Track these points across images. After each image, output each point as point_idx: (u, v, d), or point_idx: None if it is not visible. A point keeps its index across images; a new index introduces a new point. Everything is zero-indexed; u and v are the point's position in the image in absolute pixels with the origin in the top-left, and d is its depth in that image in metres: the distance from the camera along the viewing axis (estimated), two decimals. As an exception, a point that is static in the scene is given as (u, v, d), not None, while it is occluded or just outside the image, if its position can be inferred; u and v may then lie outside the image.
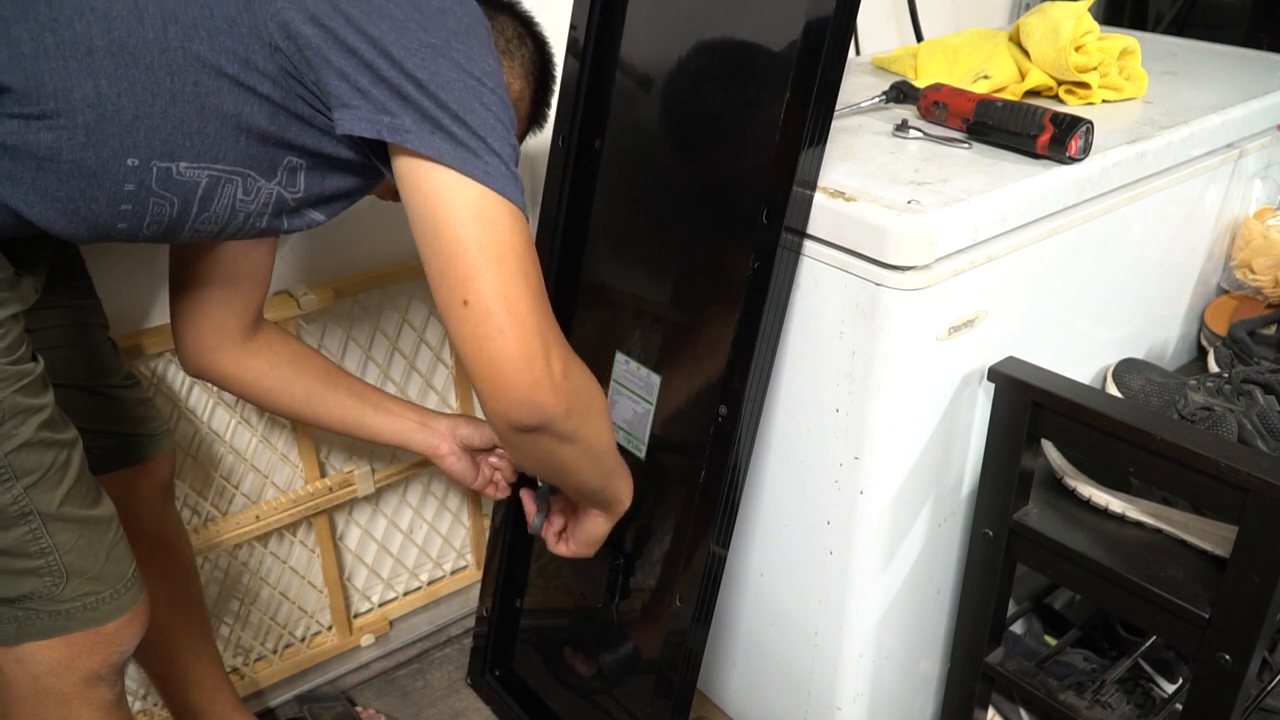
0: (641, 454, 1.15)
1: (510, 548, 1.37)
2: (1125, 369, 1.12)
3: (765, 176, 0.96)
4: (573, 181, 1.20)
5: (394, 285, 1.40)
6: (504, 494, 1.27)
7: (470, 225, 0.77)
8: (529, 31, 1.03)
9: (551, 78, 1.07)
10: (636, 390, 1.15)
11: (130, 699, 1.39)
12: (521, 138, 1.08)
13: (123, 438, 1.07)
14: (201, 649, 1.24)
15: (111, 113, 0.73)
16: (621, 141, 1.16)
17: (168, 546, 1.17)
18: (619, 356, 1.17)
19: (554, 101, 1.11)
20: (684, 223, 1.09)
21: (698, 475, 1.06)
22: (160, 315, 1.24)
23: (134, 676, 1.38)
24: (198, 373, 1.09)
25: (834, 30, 0.90)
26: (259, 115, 0.79)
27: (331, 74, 0.76)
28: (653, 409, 1.14)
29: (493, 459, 1.25)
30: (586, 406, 0.87)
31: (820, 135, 0.94)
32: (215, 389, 1.31)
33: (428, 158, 0.76)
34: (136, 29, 0.72)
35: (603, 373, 1.19)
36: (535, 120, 1.08)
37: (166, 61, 0.74)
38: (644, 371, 1.14)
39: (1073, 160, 1.02)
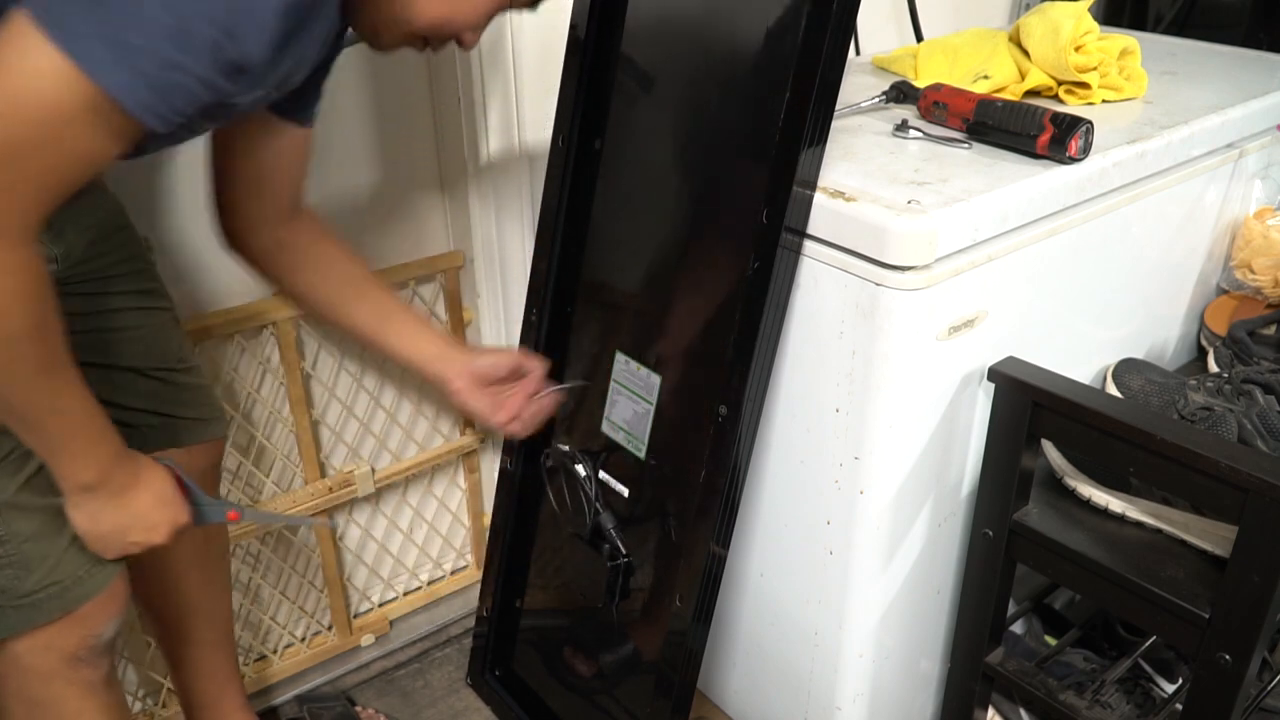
0: (641, 454, 1.15)
1: (510, 548, 1.37)
2: (1125, 369, 1.12)
3: (765, 176, 0.96)
4: (573, 182, 1.20)
5: (395, 280, 1.40)
6: (526, 431, 1.19)
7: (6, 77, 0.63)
8: None
9: None
10: (637, 390, 1.15)
11: (130, 700, 1.39)
12: (505, 6, 0.87)
13: (165, 418, 1.07)
14: (221, 640, 1.24)
15: None
16: (621, 142, 1.16)
17: (205, 532, 1.16)
18: (619, 357, 1.17)
19: None
20: (684, 223, 1.09)
21: (698, 475, 1.06)
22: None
23: (133, 680, 1.38)
24: (235, 250, 1.05)
25: (834, 30, 0.90)
26: None
27: None
28: (653, 409, 1.13)
29: (516, 393, 1.17)
30: None
31: (820, 135, 0.94)
32: (215, 389, 1.31)
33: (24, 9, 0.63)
34: None
35: (603, 372, 1.20)
36: None
37: None
38: (644, 372, 1.14)
39: (1073, 160, 1.02)
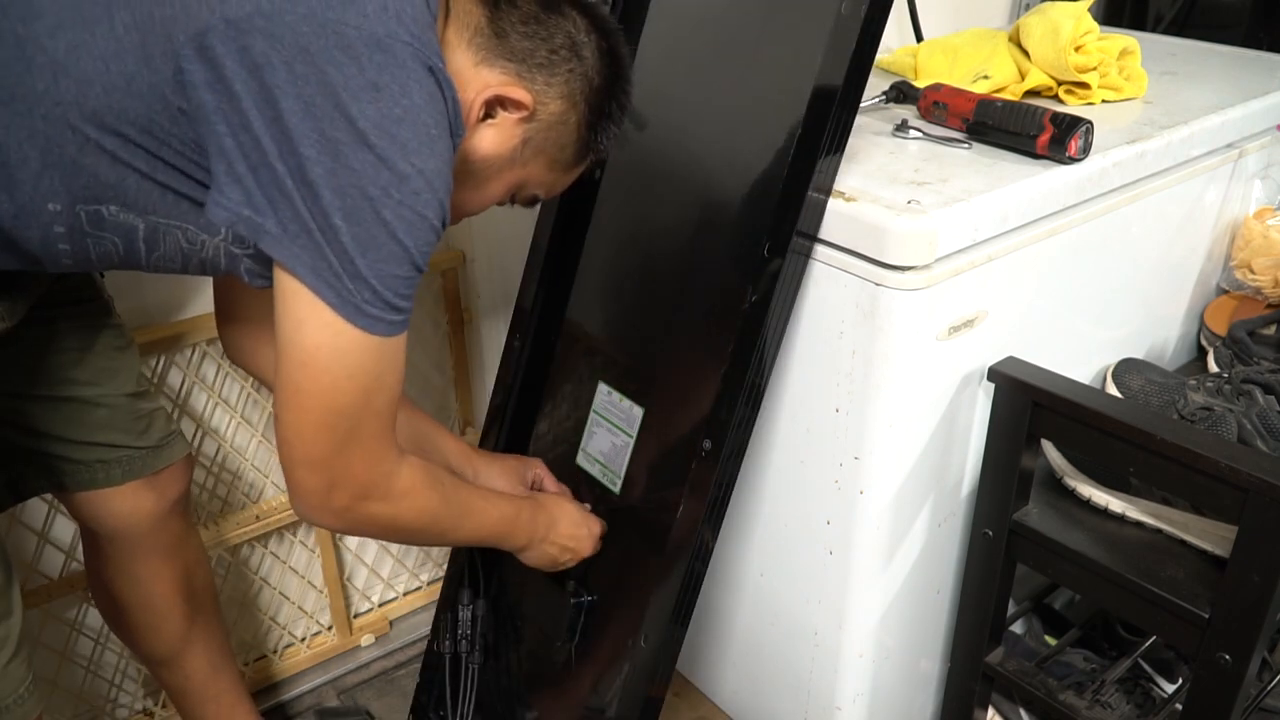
0: (616, 488, 1.13)
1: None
2: (1125, 369, 1.12)
3: (769, 209, 0.95)
4: (571, 209, 1.18)
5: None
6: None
7: (296, 349, 0.74)
8: (591, 40, 0.86)
9: (610, 98, 0.89)
10: (617, 422, 1.12)
11: (130, 699, 1.39)
12: (577, 163, 0.93)
13: (124, 450, 1.04)
14: (219, 663, 1.22)
15: (16, 160, 0.69)
16: (622, 171, 1.14)
17: (183, 561, 1.14)
18: (602, 387, 1.14)
19: (615, 128, 0.92)
20: (681, 254, 1.07)
21: (674, 511, 1.03)
22: (161, 316, 1.24)
23: (133, 680, 1.38)
24: (239, 365, 1.07)
25: (843, 93, 0.91)
26: (174, 180, 0.73)
27: (215, 151, 0.71)
28: (632, 442, 1.11)
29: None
30: (376, 530, 0.87)
31: (837, 146, 0.94)
32: (215, 389, 1.31)
33: (280, 264, 0.72)
34: (25, 79, 0.67)
35: (583, 403, 1.17)
36: (589, 147, 0.90)
37: (62, 115, 0.69)
38: (626, 403, 1.11)
39: (1072, 160, 1.02)
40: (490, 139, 0.84)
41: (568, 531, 1.07)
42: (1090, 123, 1.01)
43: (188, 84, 0.69)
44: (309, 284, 0.71)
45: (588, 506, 1.13)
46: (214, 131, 0.70)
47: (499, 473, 1.14)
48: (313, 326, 0.73)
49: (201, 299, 1.27)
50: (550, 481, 1.16)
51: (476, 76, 0.82)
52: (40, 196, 0.71)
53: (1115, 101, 1.23)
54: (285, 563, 1.47)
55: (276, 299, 0.74)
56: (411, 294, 0.76)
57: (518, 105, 0.83)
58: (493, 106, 0.83)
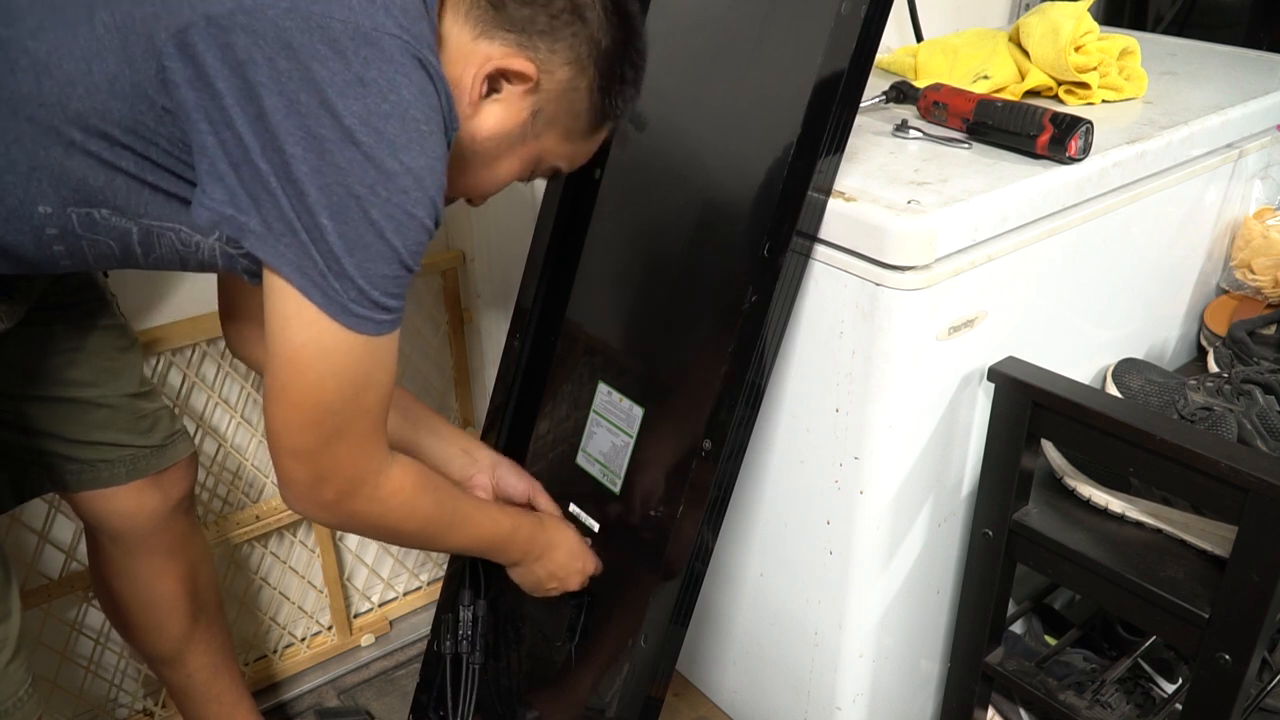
0: (616, 488, 1.12)
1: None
2: (1125, 369, 1.12)
3: (769, 209, 0.95)
4: (571, 208, 1.18)
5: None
6: None
7: (284, 345, 0.73)
8: (596, 0, 0.82)
9: (621, 59, 0.84)
10: (617, 422, 1.12)
11: (130, 699, 1.39)
12: (593, 130, 0.89)
13: (127, 450, 1.04)
14: (221, 663, 1.21)
15: (3, 165, 0.69)
16: (622, 171, 1.14)
17: (188, 560, 1.14)
18: (602, 387, 1.14)
19: (630, 89, 0.88)
20: (681, 254, 1.07)
21: (674, 511, 1.03)
22: (161, 315, 1.24)
23: (133, 680, 1.38)
24: (240, 359, 1.06)
25: (843, 93, 0.91)
26: (163, 180, 0.73)
27: (198, 150, 0.70)
28: (632, 442, 1.10)
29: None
30: (364, 528, 0.86)
31: (837, 145, 0.94)
32: (215, 389, 1.31)
33: (266, 262, 0.71)
34: (9, 81, 0.67)
35: (583, 403, 1.17)
36: (604, 112, 0.87)
37: (46, 118, 0.68)
38: (626, 403, 1.11)
39: (1072, 160, 1.02)
40: (496, 115, 0.81)
41: (562, 560, 1.07)
42: (1090, 123, 1.01)
43: (170, 82, 0.68)
44: (295, 282, 0.71)
45: (589, 541, 1.13)
46: (197, 129, 0.69)
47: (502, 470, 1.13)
48: (299, 324, 0.72)
49: (200, 299, 1.26)
50: (545, 501, 1.15)
51: (476, 50, 0.79)
52: (30, 200, 0.71)
53: (1115, 101, 1.23)
54: (285, 563, 1.47)
55: (265, 296, 0.73)
56: (402, 292, 0.75)
57: (521, 76, 0.80)
58: (496, 80, 0.80)
